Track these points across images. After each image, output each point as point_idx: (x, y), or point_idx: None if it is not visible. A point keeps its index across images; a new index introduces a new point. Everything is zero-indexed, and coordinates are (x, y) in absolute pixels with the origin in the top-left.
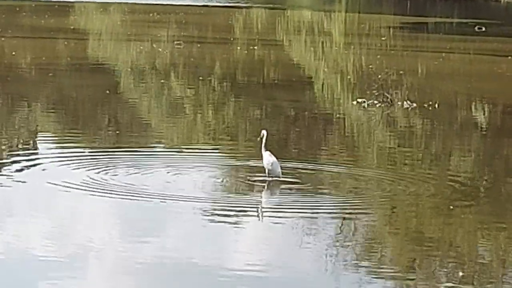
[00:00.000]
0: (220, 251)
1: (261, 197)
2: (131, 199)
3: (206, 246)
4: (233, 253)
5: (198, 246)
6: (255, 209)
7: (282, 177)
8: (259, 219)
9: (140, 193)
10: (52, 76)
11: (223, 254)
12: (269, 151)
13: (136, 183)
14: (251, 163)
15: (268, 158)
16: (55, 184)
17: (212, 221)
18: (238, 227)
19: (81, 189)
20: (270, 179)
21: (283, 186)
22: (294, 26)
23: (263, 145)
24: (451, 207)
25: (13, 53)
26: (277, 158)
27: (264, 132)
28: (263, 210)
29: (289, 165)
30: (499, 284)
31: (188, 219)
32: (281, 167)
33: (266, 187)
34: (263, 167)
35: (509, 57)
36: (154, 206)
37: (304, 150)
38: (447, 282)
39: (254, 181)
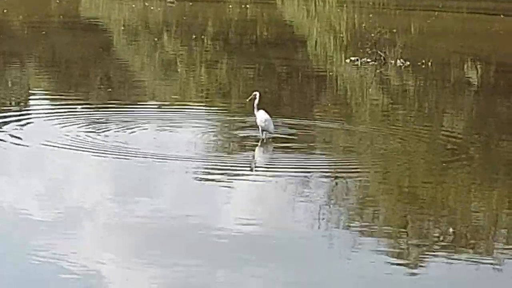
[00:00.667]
0: (213, 210)
1: (254, 155)
2: (123, 158)
3: (198, 205)
4: (226, 212)
5: (190, 205)
6: (248, 168)
7: (275, 133)
8: (251, 171)
9: (132, 151)
10: (44, 34)
11: (215, 213)
12: (263, 109)
13: (128, 142)
14: (244, 119)
15: (261, 116)
16: (46, 143)
17: (205, 179)
18: (231, 186)
19: (73, 148)
20: (264, 136)
21: (276, 144)
22: None
23: (255, 105)
24: (444, 164)
25: (5, 10)
26: (270, 116)
27: (256, 93)
28: (256, 167)
29: (282, 122)
30: (491, 241)
31: (180, 178)
32: (274, 124)
33: (259, 144)
34: (256, 124)
35: (502, 16)
36: (146, 165)
37: (297, 108)
38: (439, 239)
39: (245, 137)
